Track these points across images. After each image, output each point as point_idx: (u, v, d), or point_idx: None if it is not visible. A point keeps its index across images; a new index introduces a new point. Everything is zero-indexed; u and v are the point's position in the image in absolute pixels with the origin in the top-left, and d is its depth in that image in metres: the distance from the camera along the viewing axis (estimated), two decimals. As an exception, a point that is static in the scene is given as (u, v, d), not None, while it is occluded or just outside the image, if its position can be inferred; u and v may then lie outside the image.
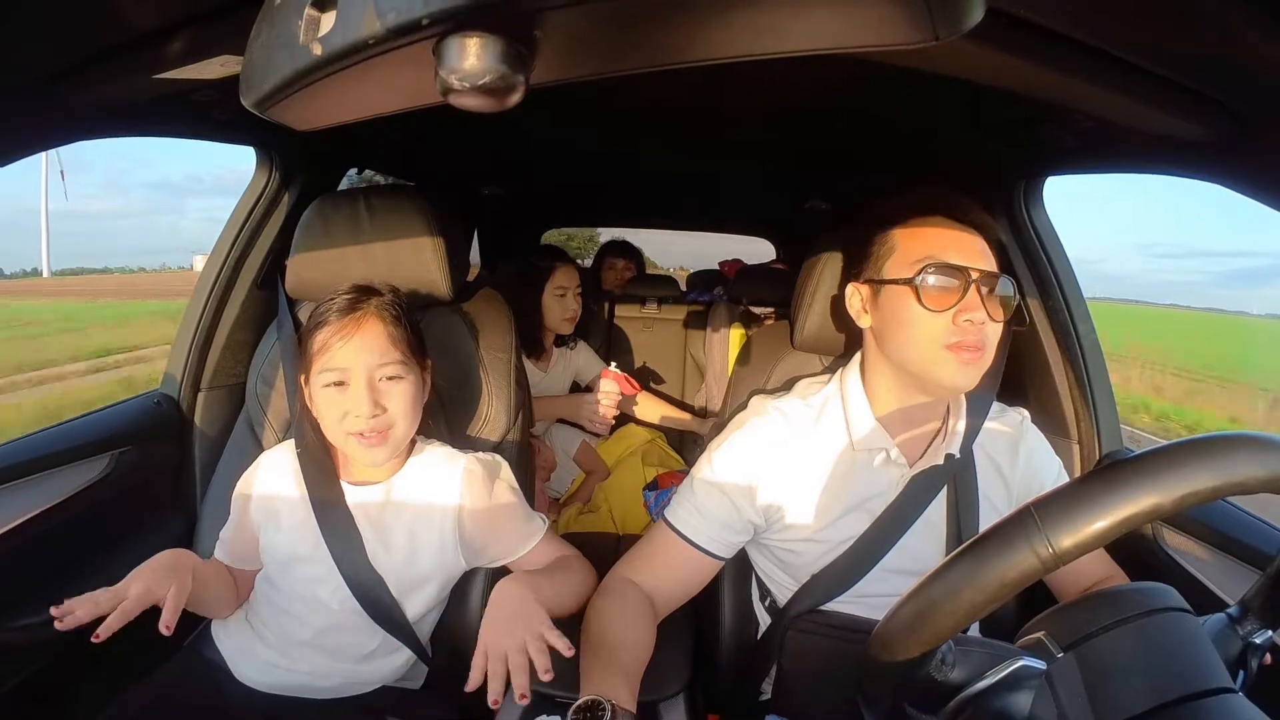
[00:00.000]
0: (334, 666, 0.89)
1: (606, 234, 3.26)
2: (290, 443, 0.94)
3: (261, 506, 0.90)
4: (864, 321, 0.86)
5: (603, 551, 1.01)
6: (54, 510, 0.97)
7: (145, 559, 0.77)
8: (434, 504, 0.89)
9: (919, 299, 0.77)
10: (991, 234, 0.82)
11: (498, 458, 0.97)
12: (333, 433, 0.85)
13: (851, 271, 0.89)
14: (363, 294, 0.86)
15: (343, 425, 0.83)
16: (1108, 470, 0.44)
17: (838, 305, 0.92)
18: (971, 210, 0.82)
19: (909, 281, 0.78)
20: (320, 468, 0.89)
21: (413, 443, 0.92)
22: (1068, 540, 0.42)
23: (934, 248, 0.78)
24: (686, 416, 2.03)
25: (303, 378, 0.87)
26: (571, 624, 0.83)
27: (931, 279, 0.77)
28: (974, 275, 0.76)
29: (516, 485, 0.95)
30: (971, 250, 0.79)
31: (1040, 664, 0.47)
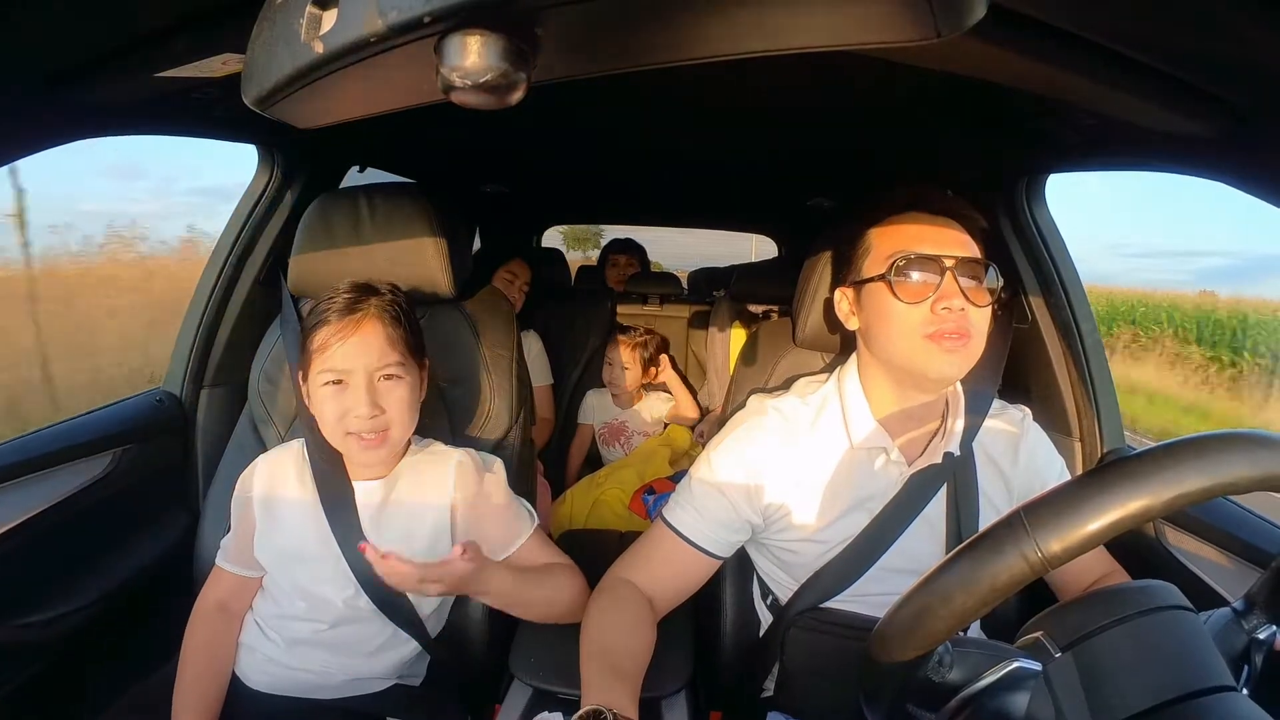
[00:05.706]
0: (338, 663, 0.89)
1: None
2: (288, 445, 0.94)
3: (261, 507, 0.90)
4: (852, 324, 0.86)
5: (605, 550, 1.01)
6: (56, 508, 0.97)
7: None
8: (429, 501, 0.90)
9: (893, 292, 0.77)
10: (973, 224, 0.81)
11: (491, 455, 0.97)
12: (331, 432, 0.85)
13: (838, 277, 0.90)
14: (363, 293, 0.85)
15: (341, 425, 0.83)
16: (1097, 473, 0.43)
17: (829, 309, 0.93)
18: (948, 201, 0.82)
19: (883, 277, 0.78)
20: (332, 463, 0.89)
21: (408, 441, 0.92)
22: (1056, 545, 0.42)
23: (906, 241, 0.79)
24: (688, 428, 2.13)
25: (301, 374, 0.87)
26: (571, 626, 0.84)
27: (904, 270, 0.77)
28: (948, 263, 0.76)
29: (507, 482, 0.94)
30: (946, 239, 0.78)
31: (1036, 665, 0.47)
